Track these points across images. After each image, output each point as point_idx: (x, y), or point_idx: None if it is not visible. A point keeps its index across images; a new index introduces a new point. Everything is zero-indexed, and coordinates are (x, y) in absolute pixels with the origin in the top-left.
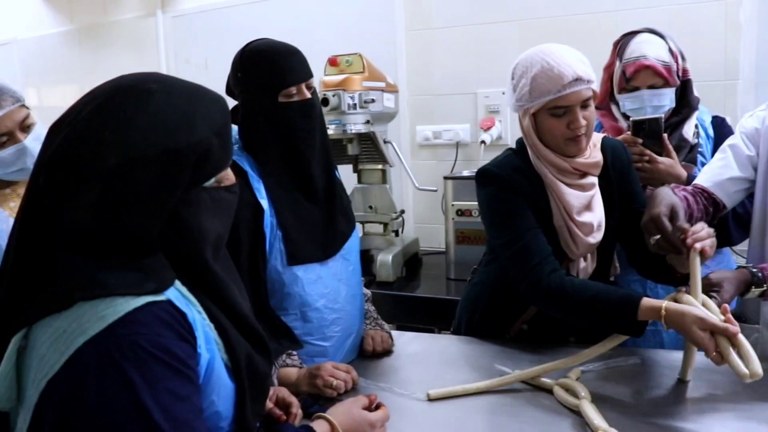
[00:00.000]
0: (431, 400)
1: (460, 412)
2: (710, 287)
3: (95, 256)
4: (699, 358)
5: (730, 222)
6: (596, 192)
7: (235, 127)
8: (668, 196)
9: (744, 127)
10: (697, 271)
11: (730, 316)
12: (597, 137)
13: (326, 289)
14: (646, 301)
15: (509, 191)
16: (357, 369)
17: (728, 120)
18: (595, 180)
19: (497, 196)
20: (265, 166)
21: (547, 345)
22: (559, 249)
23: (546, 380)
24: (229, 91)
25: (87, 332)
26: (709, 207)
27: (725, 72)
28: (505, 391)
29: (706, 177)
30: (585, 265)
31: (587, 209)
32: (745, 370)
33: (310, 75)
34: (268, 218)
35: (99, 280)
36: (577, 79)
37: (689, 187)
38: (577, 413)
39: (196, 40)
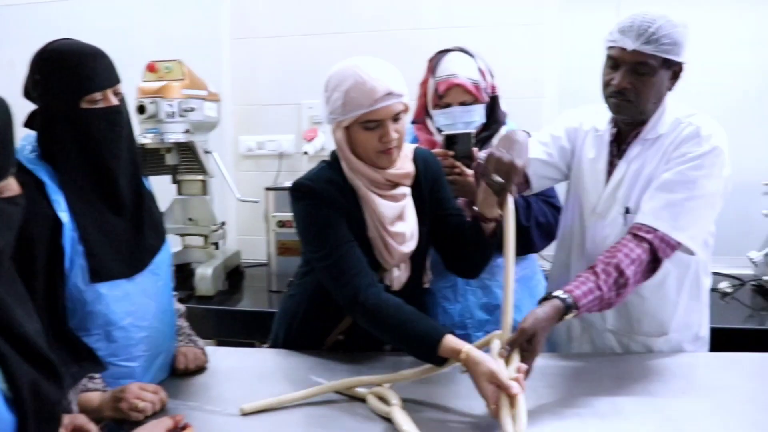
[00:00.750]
0: (245, 414)
1: (274, 425)
2: (525, 338)
3: None
4: None
5: (533, 231)
6: (408, 202)
7: (33, 134)
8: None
9: (567, 120)
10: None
11: (521, 377)
12: (409, 148)
13: (133, 307)
14: (449, 341)
15: (323, 204)
16: (167, 389)
17: (532, 134)
18: (407, 190)
19: (312, 210)
20: (65, 176)
21: (363, 354)
22: (373, 259)
23: (360, 389)
24: (27, 94)
25: None
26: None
27: (533, 90)
28: (319, 402)
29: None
30: (399, 274)
31: (400, 219)
32: (510, 430)
33: (117, 80)
34: (69, 232)
35: None
36: (389, 94)
37: None
38: (389, 420)
39: (1, 39)
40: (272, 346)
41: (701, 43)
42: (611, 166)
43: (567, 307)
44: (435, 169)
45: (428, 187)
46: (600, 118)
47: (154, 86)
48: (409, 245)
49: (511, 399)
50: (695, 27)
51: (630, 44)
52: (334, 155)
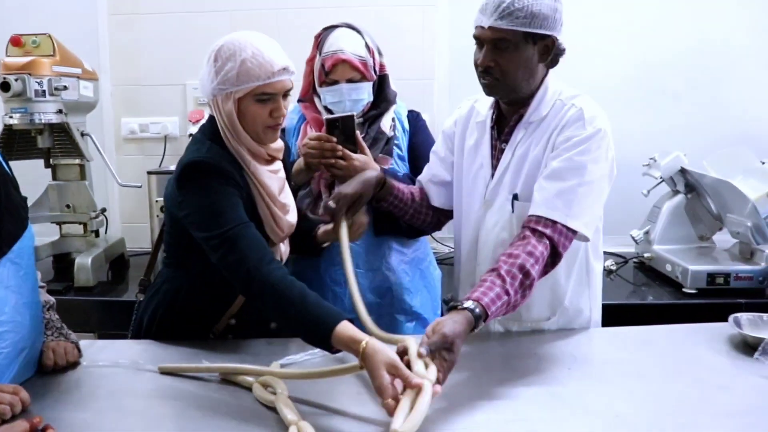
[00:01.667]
0: (163, 373)
1: (149, 419)
2: (444, 345)
3: None
4: None
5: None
6: (284, 175)
7: None
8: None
9: (444, 128)
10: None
11: (438, 387)
12: None
13: None
14: (347, 330)
15: (226, 183)
16: (34, 388)
17: (423, 115)
18: (281, 165)
19: (214, 188)
20: None
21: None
22: (264, 236)
23: (247, 378)
24: None
25: None
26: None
27: (423, 71)
28: (204, 392)
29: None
30: (285, 249)
31: (283, 191)
32: (397, 426)
33: None
34: None
35: None
36: (285, 69)
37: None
38: (274, 410)
39: None
40: (146, 336)
41: (581, 26)
42: (495, 152)
43: (476, 318)
44: (288, 150)
45: (288, 167)
46: (482, 103)
47: (20, 62)
48: (293, 216)
49: (416, 396)
50: (575, 10)
51: (486, 21)
52: (208, 133)
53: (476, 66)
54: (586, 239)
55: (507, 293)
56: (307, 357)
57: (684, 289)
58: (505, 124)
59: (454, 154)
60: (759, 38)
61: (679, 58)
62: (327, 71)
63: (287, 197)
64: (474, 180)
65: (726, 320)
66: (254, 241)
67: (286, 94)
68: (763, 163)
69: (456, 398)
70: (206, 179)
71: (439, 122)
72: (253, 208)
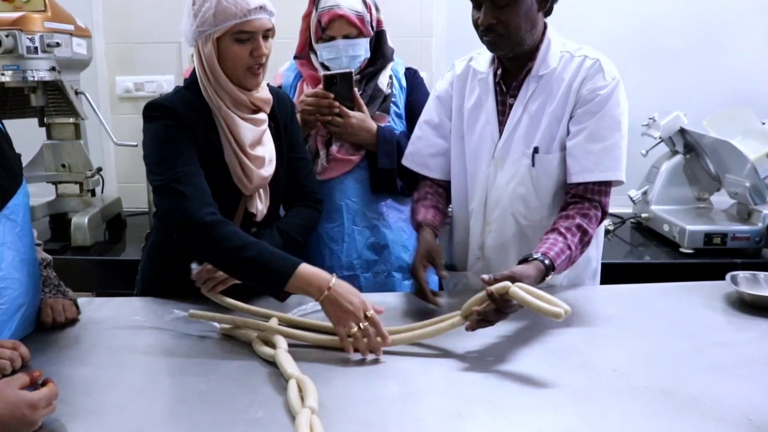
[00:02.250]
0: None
1: (149, 374)
2: (513, 280)
3: None
4: None
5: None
6: (266, 128)
7: None
8: (425, 242)
9: (438, 91)
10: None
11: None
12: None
13: None
14: (306, 272)
15: (178, 126)
16: (33, 344)
17: (421, 73)
18: (266, 117)
19: (165, 131)
20: None
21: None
22: (231, 186)
23: (247, 332)
24: None
25: None
26: (443, 192)
27: (421, 29)
28: (203, 347)
29: (413, 160)
30: (261, 206)
31: (259, 144)
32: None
33: None
34: None
35: None
36: (262, 7)
37: (428, 194)
38: (275, 365)
39: None
40: (142, 294)
41: None
42: (503, 107)
43: (547, 268)
44: (288, 108)
45: (283, 123)
46: (479, 61)
47: (10, 17)
48: (268, 169)
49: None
50: None
51: None
52: (190, 79)
53: (476, 26)
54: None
55: (569, 248)
56: (309, 311)
57: (681, 249)
58: (511, 79)
59: (450, 119)
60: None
61: (679, 16)
62: (324, 27)
63: (265, 150)
64: (479, 139)
65: (723, 280)
66: (195, 189)
67: (266, 35)
68: (764, 123)
69: (456, 355)
70: (159, 121)
71: (437, 80)
72: (219, 154)
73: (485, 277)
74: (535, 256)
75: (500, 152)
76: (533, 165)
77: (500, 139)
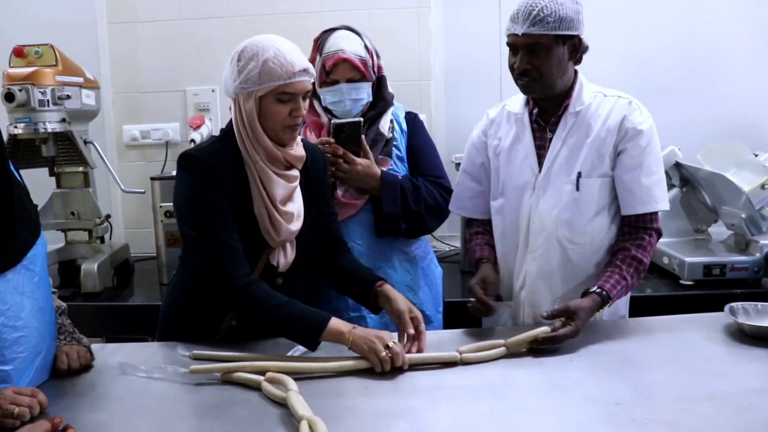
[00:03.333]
0: (193, 372)
1: (164, 419)
2: (567, 315)
3: None
4: None
5: (424, 214)
6: (298, 184)
7: None
8: (484, 271)
9: (472, 138)
10: None
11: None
12: (297, 137)
13: (5, 306)
14: (336, 324)
15: (209, 178)
16: (50, 391)
17: (420, 116)
18: (298, 174)
19: (196, 182)
20: None
21: (257, 341)
22: (258, 236)
23: (252, 376)
24: None
25: None
26: (491, 229)
27: (419, 73)
28: (209, 393)
29: (454, 204)
30: (285, 255)
31: (290, 200)
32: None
33: None
34: None
35: None
36: (305, 70)
37: (479, 233)
38: (285, 406)
39: None
40: (161, 340)
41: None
42: (541, 141)
43: (603, 299)
44: (321, 164)
45: (314, 178)
46: (512, 104)
47: (23, 72)
48: (296, 225)
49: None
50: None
51: (519, 29)
52: (225, 130)
53: (512, 70)
54: None
55: (625, 279)
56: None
57: (681, 281)
58: (547, 116)
59: (486, 162)
60: (750, 32)
61: (670, 53)
62: (328, 71)
63: (294, 206)
64: (519, 173)
65: (722, 311)
66: (230, 249)
67: (305, 95)
68: (756, 155)
69: (458, 389)
70: (191, 171)
71: (436, 122)
72: (248, 205)
73: (545, 313)
74: (591, 290)
75: (541, 182)
76: (578, 189)
77: (540, 171)
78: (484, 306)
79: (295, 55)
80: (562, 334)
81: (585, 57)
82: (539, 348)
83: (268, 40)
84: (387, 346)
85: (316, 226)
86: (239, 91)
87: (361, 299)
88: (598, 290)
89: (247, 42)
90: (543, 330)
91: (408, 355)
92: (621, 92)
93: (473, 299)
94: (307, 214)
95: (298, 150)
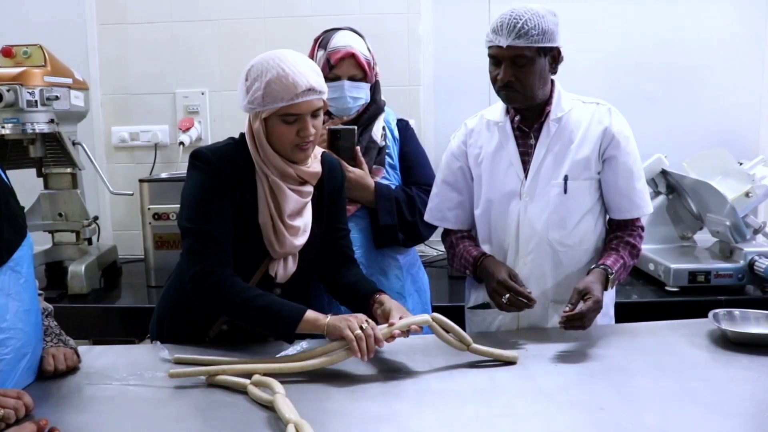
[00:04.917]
0: (172, 377)
1: (149, 422)
2: (582, 295)
3: None
4: None
5: (419, 224)
6: (309, 199)
7: None
8: (501, 264)
9: (451, 148)
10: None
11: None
12: (318, 150)
13: None
14: (311, 314)
15: (214, 178)
16: (36, 392)
17: (411, 123)
18: (311, 189)
19: (201, 180)
20: None
21: (248, 343)
22: (260, 246)
23: (238, 380)
24: None
25: None
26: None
27: (409, 78)
28: (196, 397)
29: (433, 215)
30: (286, 267)
31: (299, 215)
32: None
33: None
34: None
35: None
36: (310, 89)
37: (464, 238)
38: (272, 409)
39: None
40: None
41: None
42: (524, 148)
43: (607, 273)
44: (339, 178)
45: (329, 193)
46: (492, 112)
47: (12, 72)
48: (301, 239)
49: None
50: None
51: (504, 41)
52: (243, 135)
53: (494, 81)
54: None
55: (622, 258)
56: (300, 350)
57: (667, 288)
58: (529, 123)
59: (466, 172)
60: (735, 41)
61: (657, 62)
62: (332, 65)
63: (302, 221)
64: (504, 180)
65: (707, 317)
66: (216, 244)
67: (315, 114)
68: (741, 163)
69: (445, 393)
70: (198, 169)
71: (425, 128)
72: (253, 213)
73: (567, 308)
74: (592, 267)
75: (528, 188)
76: (565, 192)
77: (527, 177)
78: (525, 298)
79: (299, 75)
80: (586, 309)
81: (571, 65)
82: (569, 328)
83: (274, 60)
84: (361, 328)
85: (325, 240)
86: (248, 110)
87: (361, 311)
88: (600, 266)
89: (255, 60)
90: (510, 354)
91: (401, 322)
92: (598, 99)
93: (507, 294)
94: (314, 229)
95: (314, 166)
